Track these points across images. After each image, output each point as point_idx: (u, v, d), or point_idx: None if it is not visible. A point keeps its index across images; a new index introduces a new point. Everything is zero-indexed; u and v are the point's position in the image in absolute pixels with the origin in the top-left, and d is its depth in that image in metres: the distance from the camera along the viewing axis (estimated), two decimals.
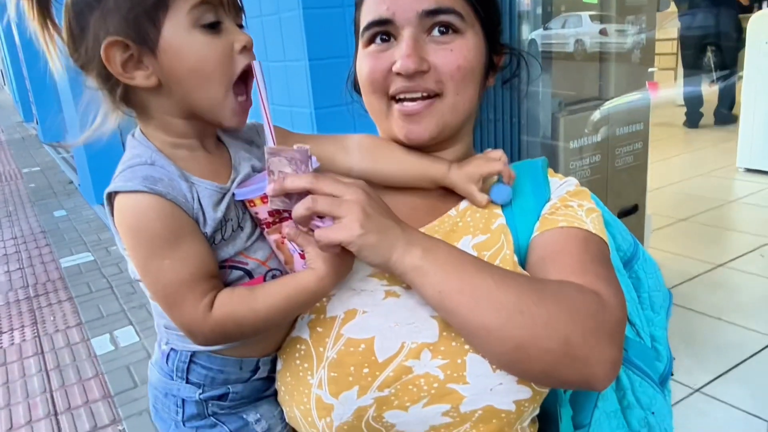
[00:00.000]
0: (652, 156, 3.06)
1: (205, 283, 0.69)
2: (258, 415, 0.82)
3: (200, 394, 0.79)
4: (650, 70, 3.02)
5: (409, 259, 0.67)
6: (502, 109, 2.36)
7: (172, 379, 0.80)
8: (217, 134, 0.78)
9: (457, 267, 0.68)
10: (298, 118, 2.10)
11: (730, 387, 2.41)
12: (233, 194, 0.73)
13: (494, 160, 0.83)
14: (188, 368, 0.78)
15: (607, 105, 2.75)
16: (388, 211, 0.70)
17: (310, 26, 1.93)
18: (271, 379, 0.82)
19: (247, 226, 0.74)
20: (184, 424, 0.80)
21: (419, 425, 0.73)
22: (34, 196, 6.44)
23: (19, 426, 2.56)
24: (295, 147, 0.67)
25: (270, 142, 0.71)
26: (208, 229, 0.70)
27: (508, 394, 0.71)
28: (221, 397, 0.80)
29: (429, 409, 0.72)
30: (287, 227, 0.70)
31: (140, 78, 0.69)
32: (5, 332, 3.42)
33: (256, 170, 0.77)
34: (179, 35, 0.67)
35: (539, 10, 2.44)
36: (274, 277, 0.76)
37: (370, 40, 0.81)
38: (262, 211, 0.72)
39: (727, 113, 6.63)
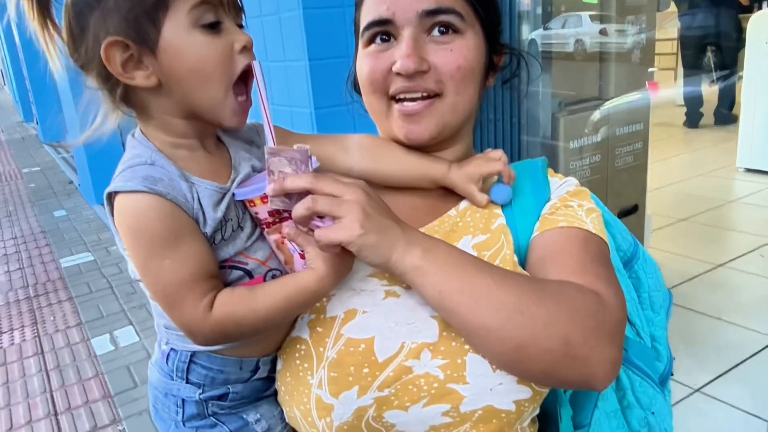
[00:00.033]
0: (652, 156, 3.06)
1: (205, 283, 0.69)
2: (258, 415, 0.82)
3: (200, 394, 0.79)
4: (650, 70, 3.02)
5: (409, 259, 0.67)
6: (502, 109, 2.36)
7: (172, 379, 0.80)
8: (217, 134, 0.78)
9: (457, 267, 0.68)
10: (298, 118, 2.10)
11: (730, 387, 2.40)
12: (233, 194, 0.73)
13: (494, 160, 0.83)
14: (188, 368, 0.78)
15: (607, 105, 2.75)
16: (388, 211, 0.70)
17: (310, 26, 1.93)
18: (271, 379, 0.82)
19: (247, 226, 0.74)
20: (184, 424, 0.80)
21: (419, 425, 0.73)
22: (34, 196, 6.44)
23: (19, 426, 2.56)
24: (295, 147, 0.67)
25: (270, 142, 0.71)
26: (208, 229, 0.70)
27: (508, 394, 0.71)
28: (221, 397, 0.80)
29: (429, 409, 0.72)
30: (287, 227, 0.70)
31: (140, 78, 0.68)
32: (5, 332, 3.42)
33: (256, 170, 0.77)
34: (179, 35, 0.67)
35: (539, 10, 2.44)
36: (273, 277, 0.76)
37: (370, 40, 0.81)
38: (262, 211, 0.72)
39: (726, 113, 6.63)
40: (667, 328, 0.97)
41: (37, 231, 5.21)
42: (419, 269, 0.67)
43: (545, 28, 2.57)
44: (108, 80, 0.70)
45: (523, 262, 0.79)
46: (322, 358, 0.75)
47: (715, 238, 3.95)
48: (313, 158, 0.69)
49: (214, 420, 0.80)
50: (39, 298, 3.84)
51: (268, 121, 0.71)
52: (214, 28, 0.69)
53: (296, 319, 0.80)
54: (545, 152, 2.54)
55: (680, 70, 7.46)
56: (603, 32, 2.92)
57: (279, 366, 0.81)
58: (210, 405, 0.80)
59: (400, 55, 0.78)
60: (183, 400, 0.80)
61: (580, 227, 0.77)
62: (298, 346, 0.78)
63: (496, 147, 0.87)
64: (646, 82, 2.94)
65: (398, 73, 0.78)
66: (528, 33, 2.44)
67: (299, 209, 0.66)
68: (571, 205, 0.81)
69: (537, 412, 0.80)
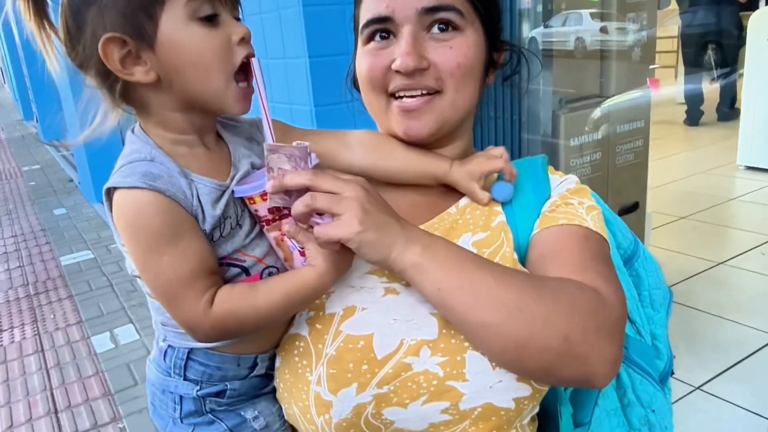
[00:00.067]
0: (652, 154, 3.05)
1: (205, 280, 0.69)
2: (256, 412, 0.82)
3: (198, 390, 0.79)
4: (651, 67, 3.02)
5: (409, 256, 0.67)
6: (503, 107, 2.36)
7: (170, 376, 0.79)
8: (217, 130, 0.78)
9: (457, 264, 0.68)
10: (298, 115, 2.10)
11: (730, 385, 2.41)
12: (233, 192, 0.72)
13: (495, 157, 0.83)
14: (186, 365, 0.78)
15: (608, 102, 2.74)
16: (387, 208, 0.70)
17: (310, 23, 1.93)
18: (269, 376, 0.82)
19: (246, 224, 0.74)
20: (181, 421, 0.80)
21: (418, 422, 0.72)
22: (34, 194, 6.44)
23: (19, 424, 2.56)
24: (294, 144, 0.67)
25: (269, 139, 0.71)
26: (207, 227, 0.70)
27: (507, 391, 0.71)
28: (219, 394, 0.79)
29: (428, 407, 0.71)
30: (287, 224, 0.70)
31: (139, 74, 0.68)
32: (5, 330, 3.42)
33: (255, 167, 0.77)
34: (177, 29, 0.67)
35: (540, 8, 2.44)
36: (270, 274, 0.76)
37: (370, 38, 0.81)
38: (262, 209, 0.72)
39: (728, 111, 6.63)
40: (668, 326, 0.97)
41: (37, 229, 5.21)
42: (418, 266, 0.67)
43: (546, 26, 2.57)
44: (107, 78, 0.70)
45: (523, 260, 0.79)
46: (321, 355, 0.75)
47: (715, 235, 3.95)
48: (313, 155, 0.69)
49: (212, 417, 0.80)
50: (39, 296, 3.84)
51: (267, 118, 0.71)
52: (211, 20, 0.69)
53: (295, 316, 0.80)
54: (546, 150, 2.53)
55: (681, 67, 7.46)
56: (604, 30, 2.91)
57: (278, 363, 0.81)
58: (207, 402, 0.80)
59: (399, 52, 0.77)
60: (180, 397, 0.79)
61: (581, 225, 0.77)
62: (296, 343, 0.78)
63: (496, 144, 0.86)
64: (647, 79, 2.93)
65: (397, 71, 0.78)
66: (528, 31, 2.44)
67: (298, 206, 0.66)
68: (571, 203, 0.81)
69: (537, 410, 0.80)
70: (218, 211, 0.70)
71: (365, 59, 0.81)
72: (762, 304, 3.00)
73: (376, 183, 0.82)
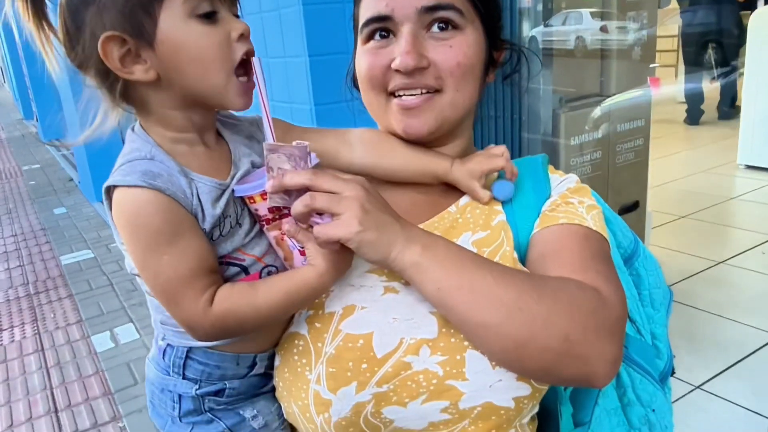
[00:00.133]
0: (652, 153, 3.05)
1: (204, 279, 0.69)
2: (255, 411, 0.82)
3: (197, 389, 0.79)
4: (651, 66, 3.02)
5: (408, 255, 0.67)
6: (503, 106, 2.35)
7: (169, 375, 0.79)
8: (217, 129, 0.78)
9: (457, 263, 0.68)
10: (298, 114, 2.10)
11: (730, 384, 2.41)
12: (233, 191, 0.72)
13: (496, 156, 0.83)
14: (185, 364, 0.78)
15: (608, 102, 2.74)
16: (387, 208, 0.70)
17: (310, 22, 1.93)
18: (268, 375, 0.82)
19: (246, 223, 0.74)
20: (180, 420, 0.80)
21: (418, 421, 0.72)
22: (35, 193, 6.44)
23: (19, 423, 2.56)
24: (294, 143, 0.67)
25: (269, 138, 0.71)
26: (207, 226, 0.70)
27: (507, 391, 0.71)
28: (218, 393, 0.79)
29: (428, 406, 0.71)
30: (287, 224, 0.70)
31: (139, 72, 0.68)
32: (5, 329, 3.42)
33: (255, 166, 0.77)
34: (176, 26, 0.67)
35: (540, 7, 2.44)
36: (269, 273, 0.76)
37: (369, 37, 0.81)
38: (262, 208, 0.72)
39: (728, 110, 6.63)
40: (668, 326, 0.96)
41: (38, 228, 5.21)
42: (418, 266, 0.67)
43: (546, 25, 2.57)
44: (107, 77, 0.70)
45: (523, 259, 0.79)
46: (320, 353, 0.75)
47: (715, 235, 3.95)
48: (312, 155, 0.69)
49: (211, 416, 0.80)
50: (39, 295, 3.84)
51: (267, 117, 0.71)
52: (210, 17, 0.69)
53: (294, 315, 0.80)
54: (546, 149, 2.53)
55: (681, 66, 7.45)
56: (604, 29, 2.91)
57: (277, 362, 0.81)
58: (206, 401, 0.80)
59: (399, 51, 0.77)
60: (179, 396, 0.79)
61: (581, 224, 0.77)
62: (296, 341, 0.78)
63: (496, 143, 0.86)
64: (648, 78, 2.93)
65: (397, 70, 0.78)
66: (529, 30, 2.44)
67: (298, 206, 0.66)
68: (571, 202, 0.81)
69: (536, 409, 0.80)
70: (218, 210, 0.70)
71: (365, 58, 0.81)
72: (762, 303, 3.00)
73: (377, 181, 0.82)
